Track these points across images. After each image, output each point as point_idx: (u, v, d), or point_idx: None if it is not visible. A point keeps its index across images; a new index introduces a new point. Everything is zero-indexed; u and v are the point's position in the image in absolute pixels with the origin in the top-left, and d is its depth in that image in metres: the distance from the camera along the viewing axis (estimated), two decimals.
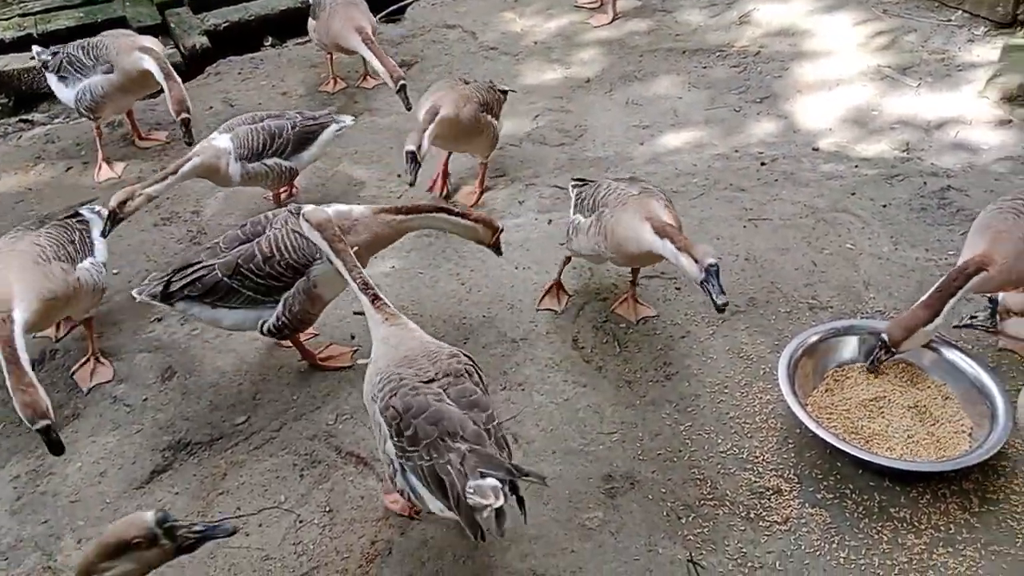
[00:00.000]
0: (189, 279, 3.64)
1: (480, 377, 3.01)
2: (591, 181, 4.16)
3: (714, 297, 3.24)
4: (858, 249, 4.56)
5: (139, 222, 5.13)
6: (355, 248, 3.47)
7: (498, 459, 2.67)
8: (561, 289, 4.32)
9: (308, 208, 3.39)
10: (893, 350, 3.48)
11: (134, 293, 3.77)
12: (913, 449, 3.36)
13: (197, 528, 2.13)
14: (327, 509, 3.42)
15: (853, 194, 4.98)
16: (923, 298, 3.48)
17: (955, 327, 3.68)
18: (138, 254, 4.92)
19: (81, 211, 4.23)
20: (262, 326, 3.73)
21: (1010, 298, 3.53)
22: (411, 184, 4.52)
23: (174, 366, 4.14)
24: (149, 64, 5.11)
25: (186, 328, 4.36)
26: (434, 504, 2.75)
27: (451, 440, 2.69)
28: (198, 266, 3.65)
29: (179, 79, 5.12)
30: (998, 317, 3.52)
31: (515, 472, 2.64)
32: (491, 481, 2.58)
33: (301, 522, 3.39)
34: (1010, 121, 5.47)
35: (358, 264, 3.27)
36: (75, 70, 5.33)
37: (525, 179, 5.39)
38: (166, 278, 3.70)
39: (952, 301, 3.41)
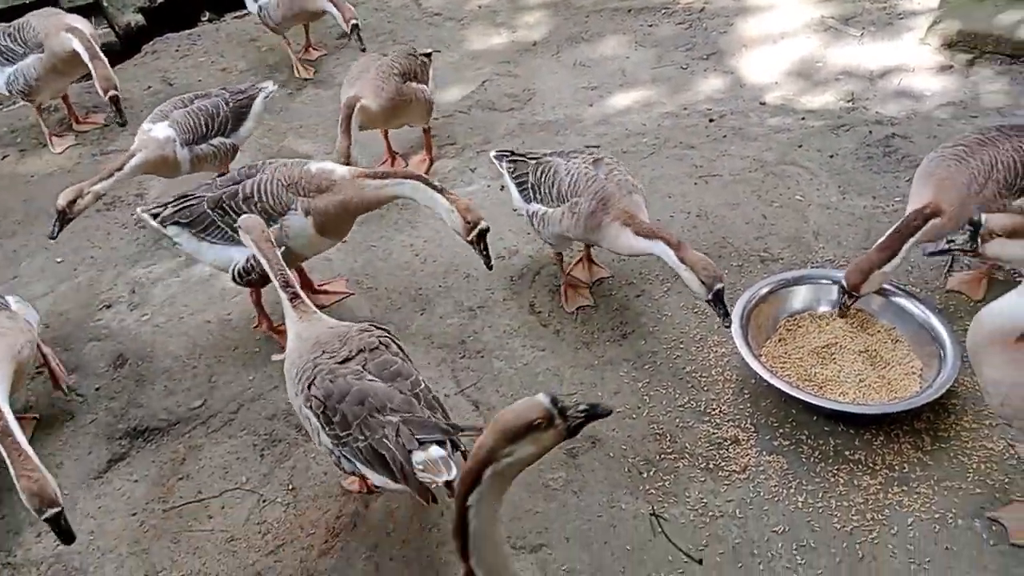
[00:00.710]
0: (182, 206, 3.78)
1: (398, 346, 3.00)
2: (524, 157, 4.03)
3: (721, 320, 3.44)
4: (807, 200, 4.61)
5: None
6: (332, 209, 3.63)
7: (432, 422, 2.69)
8: (575, 285, 4.17)
9: (242, 217, 3.42)
10: (854, 294, 3.53)
11: (138, 210, 3.96)
12: (865, 393, 3.43)
13: (582, 408, 2.10)
14: (290, 487, 3.41)
15: (800, 146, 5.02)
16: (880, 241, 3.52)
17: (931, 254, 3.54)
18: (82, 240, 4.80)
19: None
20: (234, 269, 3.76)
21: (992, 219, 3.52)
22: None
23: (125, 353, 4.07)
24: (75, 44, 4.97)
25: (135, 314, 4.28)
26: (379, 479, 2.76)
27: (381, 415, 2.69)
28: (191, 197, 3.79)
29: (104, 57, 5.00)
30: (979, 240, 3.50)
31: (451, 430, 2.67)
32: (437, 451, 2.60)
33: (264, 501, 3.37)
34: (951, 67, 5.55)
35: (282, 262, 3.28)
36: (3, 55, 5.17)
37: (475, 146, 5.35)
38: (167, 203, 3.83)
39: (908, 244, 3.46)
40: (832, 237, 4.36)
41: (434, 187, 3.59)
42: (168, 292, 4.38)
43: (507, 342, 3.93)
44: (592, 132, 5.34)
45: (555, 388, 3.69)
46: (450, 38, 6.53)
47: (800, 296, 3.81)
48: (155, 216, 3.83)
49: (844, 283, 3.53)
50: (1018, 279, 2.95)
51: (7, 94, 5.40)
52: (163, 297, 4.36)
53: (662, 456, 3.40)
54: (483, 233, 3.55)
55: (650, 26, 6.42)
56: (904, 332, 3.65)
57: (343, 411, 2.72)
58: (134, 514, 3.38)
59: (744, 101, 5.53)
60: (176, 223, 3.79)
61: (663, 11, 6.55)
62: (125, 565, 3.22)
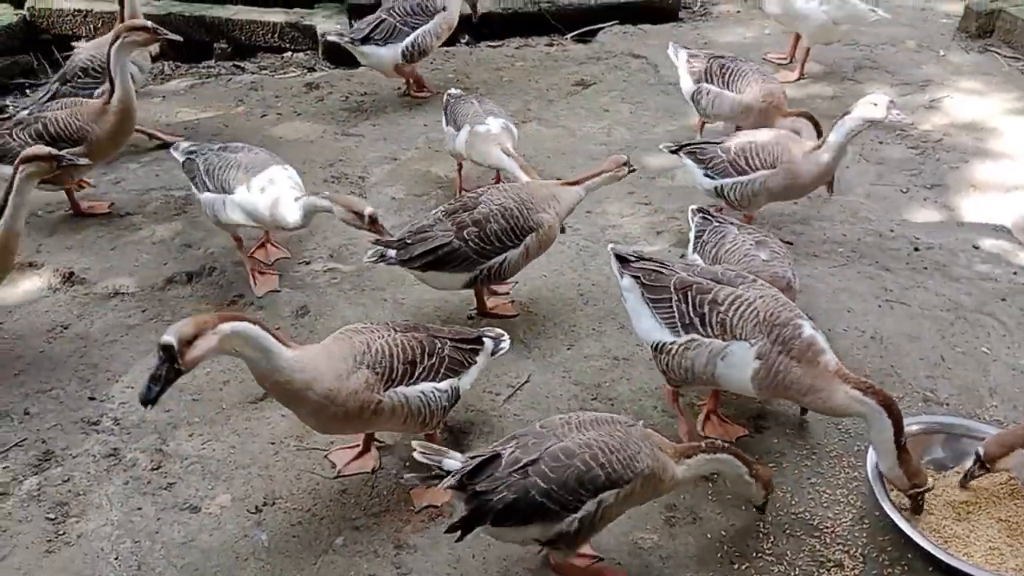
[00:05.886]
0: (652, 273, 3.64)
1: (585, 464, 2.91)
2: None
3: None
4: (993, 355, 4.38)
5: (312, 174, 5.64)
6: (789, 384, 3.35)
7: (483, 505, 2.88)
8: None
9: None
10: (987, 466, 3.34)
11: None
12: (991, 560, 3.22)
13: None
14: (406, 464, 3.67)
15: (1004, 300, 4.78)
16: None
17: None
18: None
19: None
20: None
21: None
22: None
23: (309, 306, 4.54)
24: None
25: (327, 276, 4.76)
26: None
27: (522, 466, 2.90)
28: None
29: None
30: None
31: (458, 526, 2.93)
32: (445, 464, 2.97)
33: (382, 469, 3.65)
34: None
35: None
36: (408, 24, 6.05)
37: (668, 212, 5.49)
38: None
39: None
40: (1009, 399, 4.11)
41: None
42: (359, 266, 4.82)
43: (639, 399, 4.03)
44: (788, 229, 5.34)
45: None
46: (677, 109, 6.70)
47: (953, 446, 3.64)
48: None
49: (981, 452, 3.34)
50: None
51: (403, 60, 6.14)
52: (354, 269, 4.81)
53: (759, 555, 3.35)
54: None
55: (880, 143, 6.31)
56: None
57: (531, 434, 3.03)
58: (272, 443, 3.77)
59: (957, 240, 5.32)
60: (637, 279, 3.63)
61: (898, 132, 6.41)
62: (251, 483, 3.60)
